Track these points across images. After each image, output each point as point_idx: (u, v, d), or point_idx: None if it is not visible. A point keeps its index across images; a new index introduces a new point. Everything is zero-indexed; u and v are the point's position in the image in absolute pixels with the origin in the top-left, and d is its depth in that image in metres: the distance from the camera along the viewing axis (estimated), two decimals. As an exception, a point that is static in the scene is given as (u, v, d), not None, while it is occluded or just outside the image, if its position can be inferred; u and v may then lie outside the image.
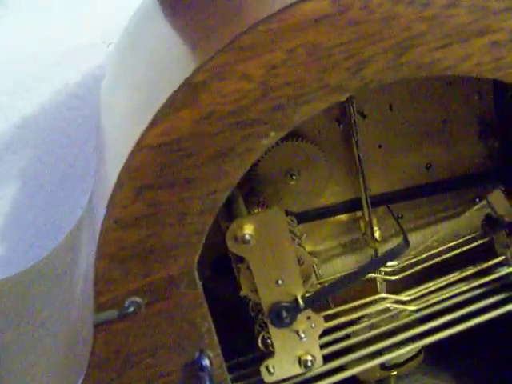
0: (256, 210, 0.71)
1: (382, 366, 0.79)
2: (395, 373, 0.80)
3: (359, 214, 0.75)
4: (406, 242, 0.67)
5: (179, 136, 0.53)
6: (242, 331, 0.71)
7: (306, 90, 0.54)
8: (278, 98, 0.54)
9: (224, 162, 0.55)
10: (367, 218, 0.74)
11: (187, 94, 0.53)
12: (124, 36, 0.78)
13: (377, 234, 0.74)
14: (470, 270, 0.72)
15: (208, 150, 0.54)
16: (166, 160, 0.54)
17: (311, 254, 0.74)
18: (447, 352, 0.81)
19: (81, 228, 0.74)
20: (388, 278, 0.73)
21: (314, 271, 0.73)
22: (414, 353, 0.79)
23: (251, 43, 0.52)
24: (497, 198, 0.72)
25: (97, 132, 0.73)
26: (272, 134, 0.55)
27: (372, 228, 0.74)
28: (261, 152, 0.55)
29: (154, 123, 0.53)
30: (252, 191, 0.71)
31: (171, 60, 0.59)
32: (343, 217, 0.76)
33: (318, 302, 0.67)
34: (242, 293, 0.65)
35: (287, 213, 0.71)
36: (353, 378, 0.75)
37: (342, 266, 0.77)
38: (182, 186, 0.55)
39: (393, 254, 0.68)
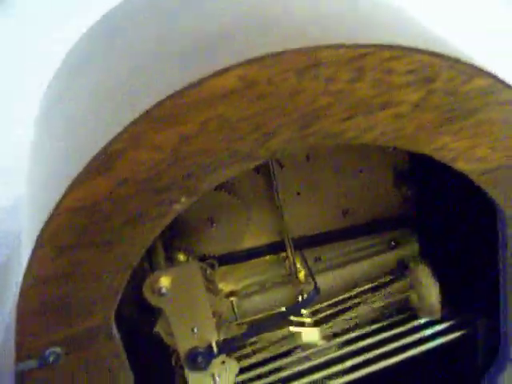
0: (179, 255, 0.73)
1: None
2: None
3: (274, 257, 0.79)
4: (316, 290, 0.71)
5: (96, 200, 0.56)
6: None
7: (216, 158, 0.57)
8: (188, 167, 0.57)
9: (138, 226, 0.58)
10: (291, 261, 0.78)
11: (104, 161, 0.55)
12: (48, 94, 0.80)
13: (301, 275, 0.78)
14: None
15: (123, 214, 0.57)
16: (84, 222, 0.57)
17: (232, 293, 0.78)
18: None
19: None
20: (305, 319, 0.77)
21: (233, 310, 0.77)
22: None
23: (164, 115, 0.55)
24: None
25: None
26: (183, 199, 0.58)
27: (296, 269, 0.78)
28: (173, 216, 0.58)
29: (72, 188, 0.56)
30: (174, 237, 0.74)
31: (89, 128, 0.62)
32: (264, 259, 0.79)
33: (231, 348, 0.70)
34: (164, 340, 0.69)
35: (208, 257, 0.75)
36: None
37: (262, 302, 0.80)
38: (100, 247, 0.58)
39: (304, 303, 0.72)
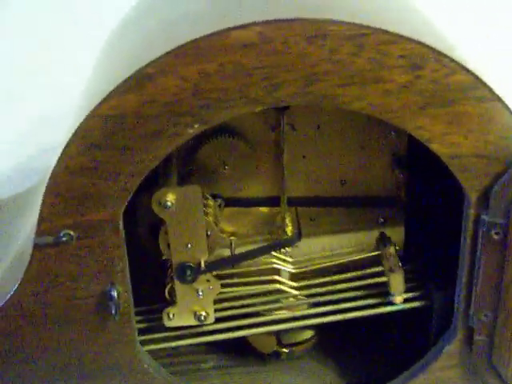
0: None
1: (279, 342, 0.94)
2: (287, 350, 0.95)
3: (278, 210, 0.90)
4: (299, 235, 0.82)
5: (125, 112, 0.68)
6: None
7: (229, 97, 0.69)
8: (205, 99, 0.68)
9: (156, 140, 0.70)
10: (282, 215, 0.89)
11: (136, 81, 0.67)
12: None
13: (288, 230, 0.89)
14: (354, 273, 0.87)
15: (144, 127, 0.69)
16: (112, 128, 0.69)
17: (233, 234, 0.89)
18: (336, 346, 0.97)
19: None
20: (287, 266, 0.88)
21: (231, 248, 0.88)
22: (307, 337, 0.94)
23: (192, 52, 0.67)
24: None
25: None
26: (196, 125, 0.70)
27: (285, 223, 0.89)
28: (186, 138, 0.70)
29: (107, 98, 0.68)
30: (192, 172, 0.86)
31: (133, 55, 0.74)
32: (265, 210, 0.91)
33: (217, 268, 0.82)
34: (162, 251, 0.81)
35: (217, 195, 0.86)
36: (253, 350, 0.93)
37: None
38: (120, 151, 0.70)
39: (285, 242, 0.83)
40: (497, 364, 0.79)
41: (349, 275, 0.87)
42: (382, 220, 0.92)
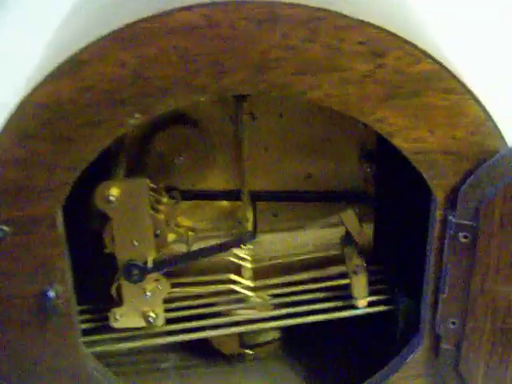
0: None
1: (242, 344, 0.89)
2: (251, 352, 0.90)
3: (239, 204, 0.85)
4: (254, 233, 0.77)
5: (60, 100, 0.63)
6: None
7: (172, 85, 0.63)
8: (146, 87, 0.63)
9: (95, 131, 0.64)
10: (249, 210, 0.83)
11: (72, 66, 0.62)
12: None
13: (249, 226, 0.83)
14: (317, 273, 0.82)
15: (82, 116, 0.64)
16: (47, 117, 0.64)
17: (190, 228, 0.84)
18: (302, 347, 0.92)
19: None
20: (244, 263, 0.83)
21: (187, 244, 0.83)
22: (271, 339, 0.89)
23: (129, 36, 0.61)
24: (349, 216, 0.80)
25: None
26: (137, 115, 0.64)
27: (246, 219, 0.83)
28: (127, 128, 0.65)
29: (42, 84, 0.63)
30: (143, 163, 0.81)
31: (69, 39, 0.69)
32: (225, 204, 0.86)
33: (165, 267, 0.77)
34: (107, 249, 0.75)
35: (171, 188, 0.81)
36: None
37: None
38: (57, 141, 0.65)
39: (239, 241, 0.78)
40: (464, 373, 0.74)
41: (311, 275, 0.82)
42: None
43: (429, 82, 0.64)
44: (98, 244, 0.80)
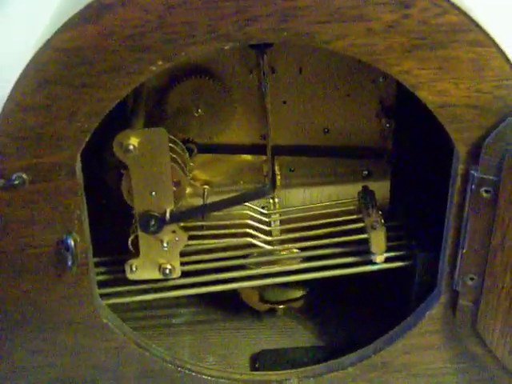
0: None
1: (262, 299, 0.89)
2: (281, 307, 0.90)
3: (253, 158, 0.84)
4: (273, 186, 0.76)
5: (81, 45, 0.62)
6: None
7: (196, 32, 0.62)
8: (170, 34, 0.62)
9: (115, 77, 0.63)
10: (269, 164, 0.82)
11: (95, 11, 0.61)
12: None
13: (277, 180, 0.83)
14: (334, 229, 0.81)
15: (104, 63, 0.63)
16: (67, 63, 0.63)
17: (206, 182, 0.83)
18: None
19: None
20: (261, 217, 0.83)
21: (203, 197, 0.82)
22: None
23: (153, -20, 0.60)
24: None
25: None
26: (160, 62, 0.63)
27: (274, 173, 0.83)
28: (148, 75, 0.64)
29: (63, 29, 0.62)
30: (161, 114, 0.80)
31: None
32: (241, 159, 0.85)
33: (184, 218, 0.76)
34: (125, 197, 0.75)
35: (188, 140, 0.80)
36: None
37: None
38: (77, 88, 0.64)
39: (258, 193, 0.77)
40: (481, 331, 0.74)
41: (329, 230, 0.81)
42: (366, 173, 0.86)
43: (455, 34, 0.63)
44: (109, 194, 0.81)
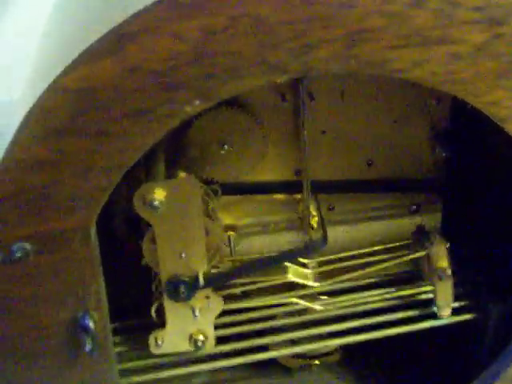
0: (180, 174, 0.66)
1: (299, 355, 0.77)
2: (317, 362, 0.78)
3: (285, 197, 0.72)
4: (325, 239, 0.64)
5: (99, 85, 0.49)
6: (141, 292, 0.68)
7: (243, 63, 0.50)
8: (211, 66, 0.50)
9: (141, 122, 0.51)
10: (306, 203, 0.71)
11: (114, 42, 0.48)
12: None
13: (313, 221, 0.71)
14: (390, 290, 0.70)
15: (127, 105, 0.50)
16: (81, 107, 0.50)
17: (230, 227, 0.71)
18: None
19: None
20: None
21: (230, 245, 0.70)
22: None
23: (192, 2, 0.48)
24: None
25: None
26: (197, 102, 0.51)
27: (310, 214, 0.71)
28: (181, 119, 0.51)
29: (74, 66, 0.49)
30: (179, 155, 0.67)
31: (106, 7, 0.55)
32: (271, 198, 0.73)
33: (220, 283, 0.64)
34: (144, 260, 0.62)
35: (212, 181, 0.68)
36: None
37: (260, 245, 0.73)
38: (93, 137, 0.51)
39: (310, 249, 0.65)
40: None
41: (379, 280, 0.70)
42: (414, 208, 0.74)
43: (553, 55, 0.52)
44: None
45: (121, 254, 0.69)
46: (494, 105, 0.54)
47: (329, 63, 0.51)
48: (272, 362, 0.77)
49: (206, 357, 0.68)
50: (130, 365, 0.66)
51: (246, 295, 0.69)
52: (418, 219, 0.74)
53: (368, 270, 0.70)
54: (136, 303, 0.68)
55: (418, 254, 0.69)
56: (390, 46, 0.51)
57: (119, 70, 0.49)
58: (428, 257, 0.68)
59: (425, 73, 0.52)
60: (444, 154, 0.71)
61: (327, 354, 0.78)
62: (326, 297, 0.71)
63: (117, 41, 0.48)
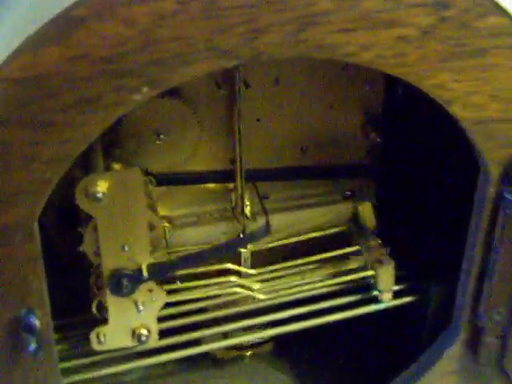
0: (115, 166, 0.64)
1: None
2: (248, 353, 0.79)
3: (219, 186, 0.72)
4: (267, 227, 0.64)
5: (44, 73, 0.47)
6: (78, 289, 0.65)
7: (193, 49, 0.49)
8: (160, 53, 0.48)
9: (87, 112, 0.49)
10: (239, 192, 0.70)
11: (60, 28, 0.46)
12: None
13: (247, 210, 0.70)
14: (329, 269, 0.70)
15: (73, 94, 0.48)
16: (24, 97, 0.48)
17: (165, 218, 0.70)
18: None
19: None
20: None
21: (165, 237, 0.68)
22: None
23: (141, -14, 0.46)
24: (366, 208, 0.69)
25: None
26: (145, 89, 0.49)
27: (243, 203, 0.70)
28: (129, 107, 0.50)
29: (17, 54, 0.47)
30: (114, 143, 0.65)
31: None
32: (206, 187, 0.71)
33: (164, 274, 0.62)
34: (83, 247, 0.60)
35: (147, 172, 0.66)
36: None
37: (195, 236, 0.72)
38: (36, 128, 0.49)
39: (253, 237, 0.65)
40: (509, 369, 0.65)
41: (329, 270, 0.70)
42: (348, 194, 0.75)
43: (496, 39, 0.53)
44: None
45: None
46: (438, 87, 0.54)
47: (279, 48, 0.50)
48: (203, 355, 0.75)
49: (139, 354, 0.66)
50: (70, 364, 0.64)
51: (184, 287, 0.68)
52: (352, 205, 0.75)
53: (306, 259, 0.70)
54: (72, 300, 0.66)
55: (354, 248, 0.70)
56: (339, 29, 0.51)
57: (66, 57, 0.47)
58: (365, 245, 0.69)
59: (373, 56, 0.52)
60: (377, 139, 0.71)
61: (260, 343, 0.78)
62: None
63: (64, 26, 0.46)
